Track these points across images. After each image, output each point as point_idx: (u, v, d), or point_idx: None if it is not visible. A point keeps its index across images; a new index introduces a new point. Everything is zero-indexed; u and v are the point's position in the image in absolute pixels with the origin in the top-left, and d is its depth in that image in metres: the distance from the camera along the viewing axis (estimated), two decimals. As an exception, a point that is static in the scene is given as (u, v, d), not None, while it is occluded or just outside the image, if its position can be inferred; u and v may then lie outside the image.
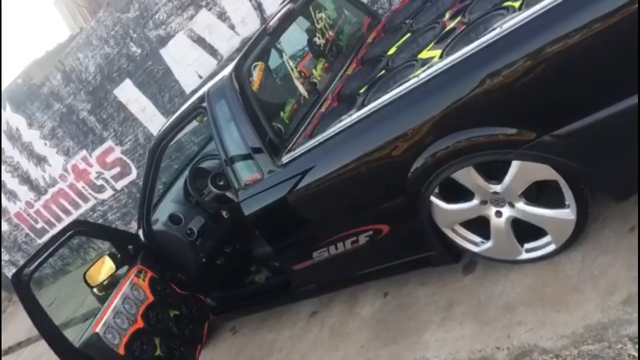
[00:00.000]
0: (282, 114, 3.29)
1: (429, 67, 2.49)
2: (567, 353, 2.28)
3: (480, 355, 2.54)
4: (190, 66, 6.66)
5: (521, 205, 2.57)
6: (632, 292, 2.24)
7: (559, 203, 2.50)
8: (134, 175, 7.92)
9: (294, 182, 2.96)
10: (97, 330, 3.07)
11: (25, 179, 8.99)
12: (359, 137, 2.72)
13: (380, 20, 4.04)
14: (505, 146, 2.37)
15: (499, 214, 2.65)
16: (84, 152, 8.06)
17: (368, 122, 2.67)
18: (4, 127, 8.43)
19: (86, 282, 3.57)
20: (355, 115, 2.71)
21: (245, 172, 3.15)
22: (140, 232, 3.93)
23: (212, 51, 6.45)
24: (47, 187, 8.90)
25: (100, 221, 8.82)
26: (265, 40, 3.37)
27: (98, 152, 7.94)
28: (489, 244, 2.77)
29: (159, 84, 6.97)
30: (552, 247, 2.64)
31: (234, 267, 4.19)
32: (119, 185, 8.16)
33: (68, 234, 3.39)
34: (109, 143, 7.77)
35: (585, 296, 2.38)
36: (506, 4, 2.54)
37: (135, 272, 3.56)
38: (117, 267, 3.66)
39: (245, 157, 3.12)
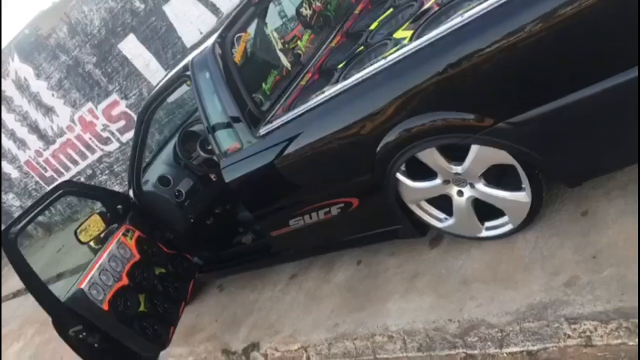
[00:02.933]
0: (264, 85, 3.38)
1: (397, 49, 2.56)
2: (510, 329, 2.42)
3: (434, 326, 2.70)
4: (192, 23, 6.69)
5: (481, 186, 2.67)
6: (574, 275, 2.36)
7: (517, 186, 2.60)
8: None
9: (270, 154, 3.07)
10: (82, 286, 3.25)
11: (34, 128, 9.16)
12: (331, 113, 2.80)
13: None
14: (465, 130, 2.46)
15: (460, 193, 2.76)
16: (90, 105, 8.19)
17: (340, 100, 2.75)
18: (12, 76, 8.56)
19: (77, 238, 3.74)
20: (328, 92, 2.80)
21: (226, 141, 3.25)
22: (131, 192, 4.08)
23: (213, 9, 6.48)
24: (55, 137, 9.08)
25: (106, 172, 9.04)
26: (250, 11, 3.43)
27: (104, 105, 8.06)
28: (451, 221, 2.89)
29: (162, 40, 7.03)
30: (509, 227, 2.76)
31: (223, 228, 4.34)
32: (125, 138, 8.30)
33: (57, 193, 3.53)
34: (114, 96, 7.88)
35: (533, 276, 2.51)
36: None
37: (123, 231, 3.71)
38: (107, 226, 3.82)
39: (226, 126, 3.22)
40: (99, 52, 7.54)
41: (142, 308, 3.52)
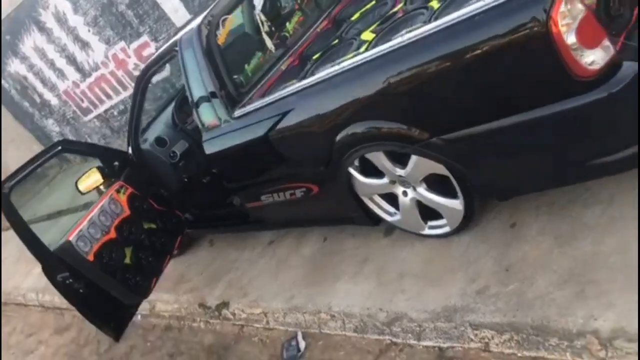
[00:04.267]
0: (246, 66, 3.57)
1: (354, 56, 2.71)
2: (427, 325, 2.67)
3: (367, 313, 2.96)
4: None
5: (422, 190, 2.86)
6: (487, 284, 2.57)
7: (454, 193, 2.78)
8: (167, 72, 8.30)
9: (243, 135, 3.28)
10: (71, 238, 3.59)
11: (72, 61, 9.52)
12: (295, 106, 2.99)
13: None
14: (405, 141, 2.63)
15: (405, 193, 2.95)
16: (122, 44, 8.48)
17: (303, 94, 2.93)
18: (52, 10, 8.88)
19: (77, 188, 4.08)
20: (295, 86, 2.98)
21: (206, 117, 3.46)
22: (130, 150, 4.38)
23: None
24: (91, 71, 9.43)
25: (137, 109, 9.39)
26: (240, -6, 3.58)
27: (135, 45, 8.33)
28: (399, 216, 3.10)
29: (192, -13, 7.21)
30: (447, 229, 2.96)
31: (215, 188, 4.61)
32: (154, 79, 8.55)
33: (55, 150, 3.84)
34: (144, 38, 8.14)
35: (456, 278, 2.72)
36: (430, 3, 2.71)
37: (116, 187, 4.02)
38: (105, 180, 4.14)
39: (207, 103, 3.43)
40: (133, -7, 7.78)
41: (127, 260, 3.87)
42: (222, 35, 3.44)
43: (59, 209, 9.17)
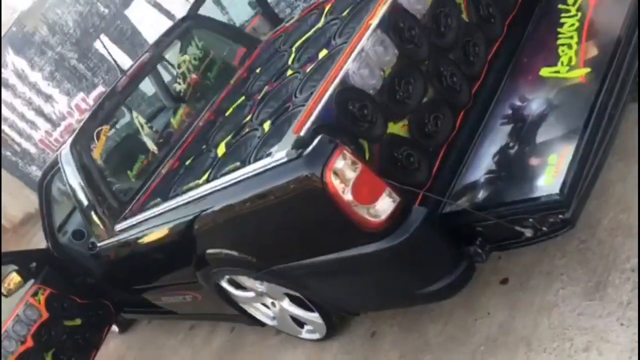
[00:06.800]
0: (129, 172, 3.58)
1: (196, 187, 2.70)
2: None
3: None
4: (152, 27, 6.82)
5: (285, 303, 2.87)
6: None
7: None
8: (128, 118, 8.35)
9: (124, 248, 3.30)
10: (-18, 359, 3.68)
11: (40, 113, 9.66)
12: (163, 225, 2.97)
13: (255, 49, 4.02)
14: (251, 268, 2.64)
15: (273, 304, 2.96)
16: (82, 94, 8.58)
17: (166, 216, 2.92)
18: (11, 67, 8.99)
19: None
20: (159, 208, 2.97)
21: (94, 227, 3.50)
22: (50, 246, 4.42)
23: (169, 15, 6.60)
24: (59, 121, 9.56)
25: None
26: (115, 100, 3.58)
27: (94, 94, 8.43)
28: (276, 322, 3.10)
29: (130, 40, 7.25)
30: (317, 335, 2.96)
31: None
32: (118, 124, 8.63)
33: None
34: (100, 88, 8.22)
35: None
36: (264, 125, 2.68)
37: (32, 292, 4.06)
38: (25, 281, 4.18)
39: (92, 214, 3.45)
40: (79, 49, 7.87)
41: (46, 366, 3.92)
42: (97, 148, 3.45)
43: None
